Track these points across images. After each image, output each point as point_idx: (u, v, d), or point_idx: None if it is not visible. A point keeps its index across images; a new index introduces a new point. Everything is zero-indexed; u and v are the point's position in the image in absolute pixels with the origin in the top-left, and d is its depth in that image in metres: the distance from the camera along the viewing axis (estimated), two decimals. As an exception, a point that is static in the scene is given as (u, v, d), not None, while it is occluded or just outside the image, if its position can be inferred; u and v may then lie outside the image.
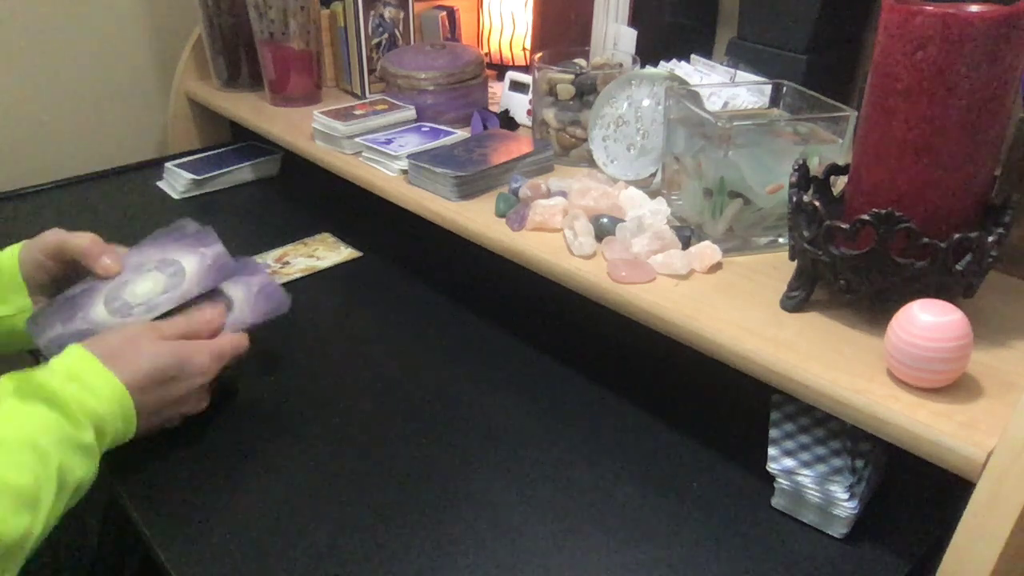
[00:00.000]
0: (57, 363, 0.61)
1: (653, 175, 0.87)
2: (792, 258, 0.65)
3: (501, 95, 1.11)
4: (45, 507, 0.53)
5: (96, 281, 0.73)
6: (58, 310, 0.72)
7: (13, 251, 0.74)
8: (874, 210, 0.57)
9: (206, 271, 0.75)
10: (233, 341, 0.71)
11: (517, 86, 1.09)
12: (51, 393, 0.57)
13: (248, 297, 0.76)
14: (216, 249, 0.76)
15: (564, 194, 0.83)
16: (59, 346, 0.64)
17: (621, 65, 0.96)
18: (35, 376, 0.58)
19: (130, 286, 0.73)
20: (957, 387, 0.55)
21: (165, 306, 0.72)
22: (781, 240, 0.74)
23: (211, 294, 0.74)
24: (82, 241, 0.73)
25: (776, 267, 0.71)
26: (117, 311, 0.71)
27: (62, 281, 0.75)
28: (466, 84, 1.07)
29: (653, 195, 0.82)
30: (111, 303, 0.72)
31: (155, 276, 0.74)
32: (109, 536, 0.84)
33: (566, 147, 0.95)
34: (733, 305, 0.66)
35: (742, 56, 0.97)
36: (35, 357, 0.82)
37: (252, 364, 0.81)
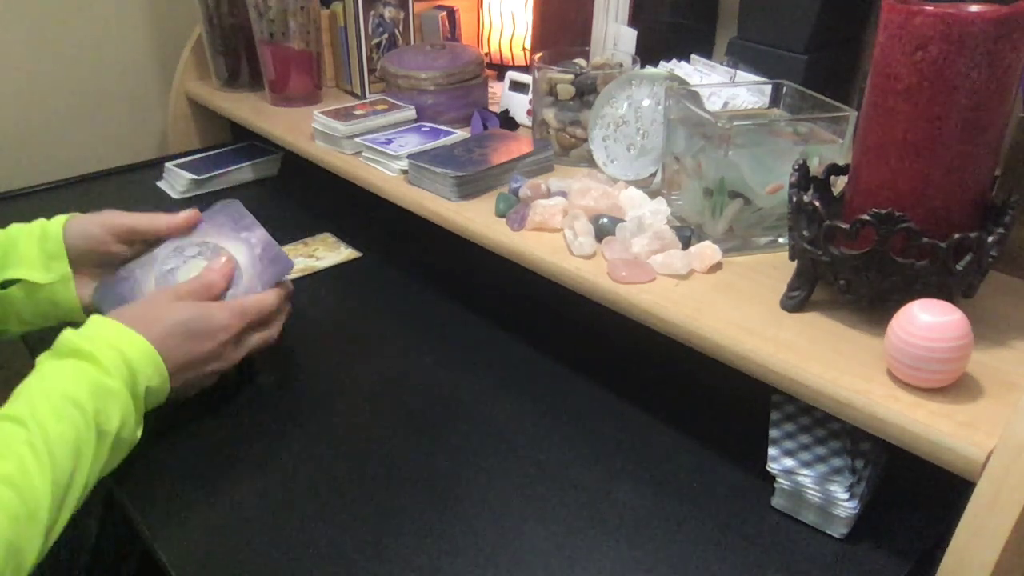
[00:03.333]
0: (84, 328, 0.63)
1: (653, 175, 0.87)
2: (792, 258, 0.65)
3: (501, 95, 1.11)
4: (87, 454, 0.56)
5: (139, 265, 0.76)
6: (119, 286, 0.75)
7: (59, 221, 0.76)
8: (874, 210, 0.57)
9: (257, 260, 0.77)
10: (256, 299, 0.73)
11: (517, 86, 1.09)
12: (79, 348, 0.60)
13: (252, 262, 0.77)
14: (259, 234, 0.78)
15: (564, 194, 0.83)
16: None
17: (621, 65, 0.96)
18: (65, 337, 0.61)
19: (178, 273, 0.75)
20: (957, 387, 0.55)
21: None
22: (781, 240, 0.74)
23: (214, 252, 0.77)
24: (158, 222, 0.77)
25: (776, 267, 0.71)
26: None
27: (109, 258, 0.77)
28: (466, 84, 1.07)
29: (653, 195, 0.82)
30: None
31: (198, 264, 0.76)
32: (107, 536, 0.84)
33: (566, 147, 0.95)
34: (733, 305, 0.66)
35: (742, 56, 0.97)
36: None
37: (252, 364, 0.81)
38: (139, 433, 0.63)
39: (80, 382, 0.58)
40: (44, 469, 0.53)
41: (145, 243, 0.78)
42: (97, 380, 0.59)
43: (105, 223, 0.76)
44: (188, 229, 0.78)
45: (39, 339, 0.81)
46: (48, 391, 0.57)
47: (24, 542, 0.51)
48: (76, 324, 0.64)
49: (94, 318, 0.65)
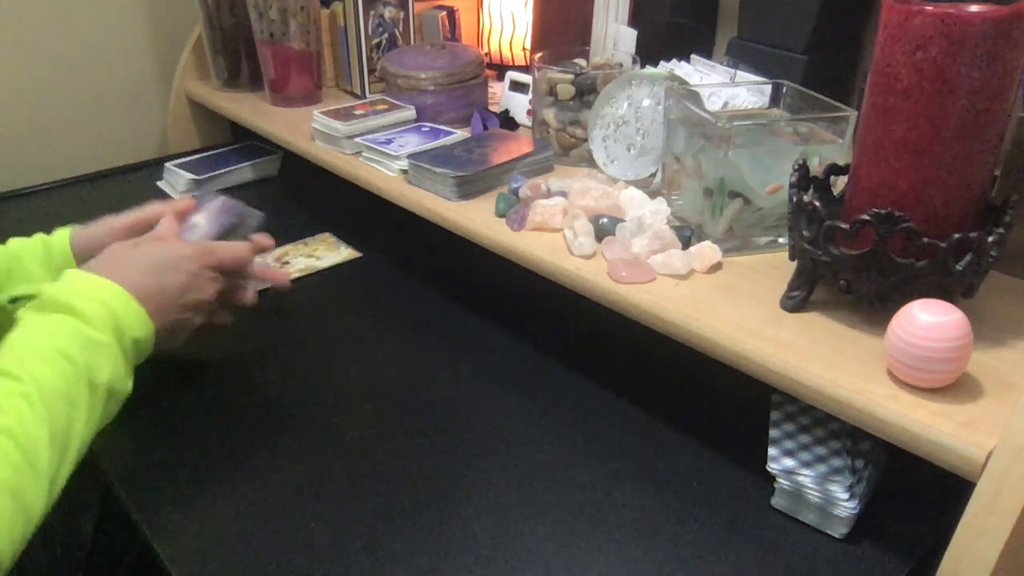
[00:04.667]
0: (60, 282, 0.63)
1: (653, 175, 0.87)
2: (792, 258, 0.65)
3: (501, 95, 1.11)
4: (81, 406, 0.57)
5: None
6: None
7: (63, 233, 0.78)
8: (874, 210, 0.57)
9: (209, 213, 0.79)
10: (218, 243, 0.75)
11: (517, 86, 1.09)
12: (63, 304, 0.60)
13: (208, 217, 0.78)
14: (218, 201, 0.80)
15: (564, 194, 0.83)
16: None
17: (621, 65, 0.96)
18: (46, 292, 0.62)
19: None
20: (957, 387, 0.55)
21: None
22: (781, 240, 0.74)
23: None
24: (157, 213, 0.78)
25: (776, 267, 0.71)
26: None
27: None
28: (466, 84, 1.07)
29: (653, 195, 0.82)
30: None
31: None
32: (105, 532, 0.84)
33: (566, 147, 0.95)
34: (733, 305, 0.66)
35: (742, 56, 0.97)
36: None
37: (251, 364, 0.81)
38: (130, 385, 0.63)
39: (69, 336, 0.59)
40: (40, 420, 0.54)
41: None
42: (85, 333, 0.59)
43: (108, 226, 0.77)
44: (184, 216, 0.79)
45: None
46: (37, 344, 0.58)
47: (28, 491, 0.52)
48: None
49: (69, 271, 0.65)
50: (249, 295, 0.78)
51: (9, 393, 0.54)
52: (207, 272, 0.71)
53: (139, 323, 0.64)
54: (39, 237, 0.77)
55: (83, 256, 0.76)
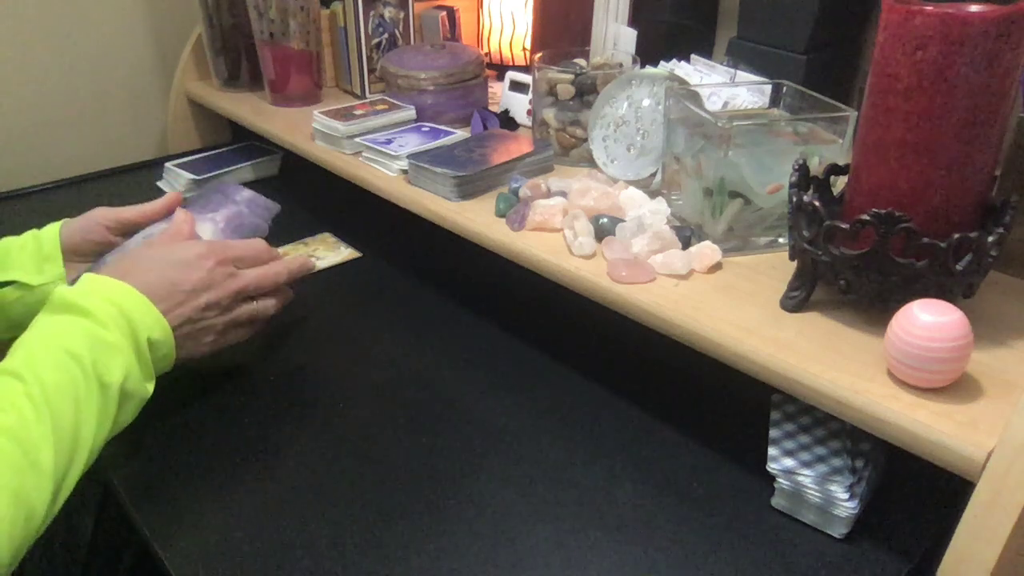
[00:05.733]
0: (75, 285, 0.64)
1: (653, 175, 0.87)
2: (792, 258, 0.65)
3: (501, 95, 1.11)
4: (89, 405, 0.56)
5: (113, 252, 0.77)
6: (95, 269, 0.76)
7: (54, 225, 0.78)
8: (874, 210, 0.57)
9: (219, 233, 0.78)
10: (235, 241, 0.75)
11: (517, 86, 1.09)
12: (74, 304, 0.60)
13: (215, 235, 0.78)
14: (226, 212, 0.79)
15: (564, 194, 0.83)
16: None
17: (621, 65, 0.96)
18: (58, 294, 0.62)
19: None
20: (957, 387, 0.55)
21: None
22: (781, 240, 0.74)
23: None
24: (144, 209, 0.80)
25: (776, 267, 0.71)
26: None
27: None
28: (466, 84, 1.08)
29: (653, 195, 0.82)
30: None
31: None
32: (104, 532, 0.84)
33: (566, 147, 0.95)
34: (733, 305, 0.66)
35: (742, 56, 0.97)
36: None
37: (250, 363, 0.81)
38: (150, 387, 0.63)
39: (75, 335, 0.58)
40: (43, 419, 0.53)
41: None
42: (93, 332, 0.59)
43: (97, 217, 0.78)
44: (170, 211, 0.79)
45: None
46: (44, 344, 0.58)
47: (31, 492, 0.51)
48: None
49: (85, 276, 0.65)
50: (271, 306, 0.76)
51: (12, 392, 0.54)
52: (224, 268, 0.70)
53: (153, 323, 0.63)
54: (30, 233, 0.78)
55: (72, 248, 0.77)
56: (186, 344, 0.68)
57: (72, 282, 0.74)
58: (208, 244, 0.71)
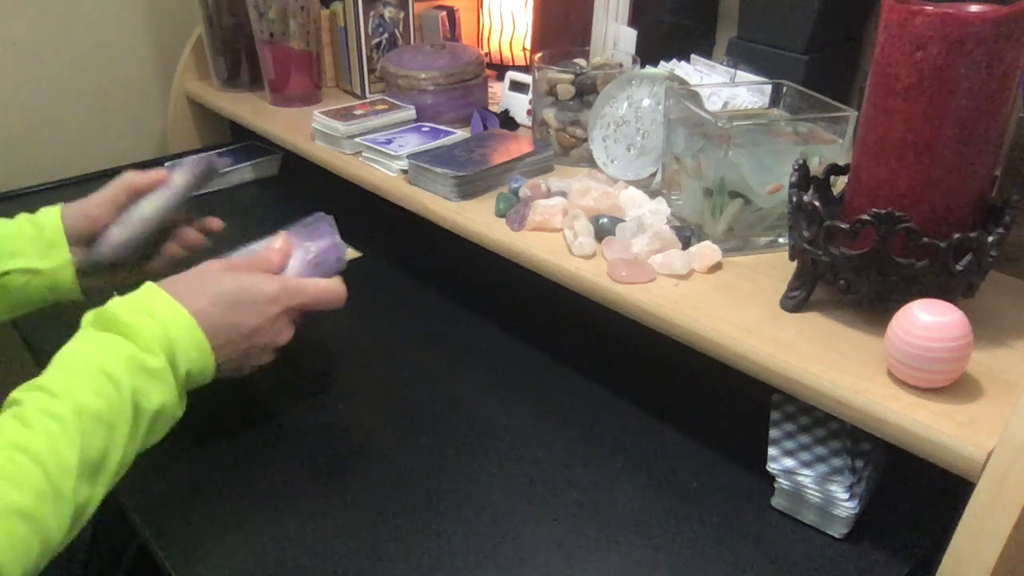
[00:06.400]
0: (130, 296, 0.62)
1: (653, 175, 0.87)
2: (792, 258, 0.65)
3: (501, 95, 1.11)
4: (122, 431, 0.55)
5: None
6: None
7: (53, 210, 0.76)
8: (874, 210, 0.57)
9: (307, 263, 0.74)
10: (313, 281, 0.70)
11: (517, 86, 1.09)
12: (121, 323, 0.58)
13: (301, 267, 0.74)
14: (322, 244, 0.76)
15: (564, 194, 0.83)
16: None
17: (621, 65, 0.96)
18: (108, 308, 0.60)
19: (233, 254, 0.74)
20: (957, 387, 0.55)
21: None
22: (781, 240, 0.74)
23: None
24: (135, 179, 0.80)
25: (776, 267, 0.71)
26: None
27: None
28: (466, 84, 1.07)
29: (653, 195, 0.82)
30: None
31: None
32: (104, 531, 0.84)
33: (566, 147, 0.95)
34: (733, 305, 0.66)
35: (742, 56, 0.96)
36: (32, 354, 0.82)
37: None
38: (181, 411, 0.61)
39: (119, 358, 0.56)
40: (73, 446, 0.52)
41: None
42: (137, 358, 0.57)
43: (97, 200, 0.77)
44: (157, 184, 0.80)
45: (32, 327, 0.82)
46: (84, 363, 0.56)
47: (49, 518, 0.50)
48: (73, 304, 0.63)
49: (148, 284, 0.63)
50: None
51: (43, 412, 0.52)
52: (286, 318, 0.68)
53: (199, 355, 0.61)
54: (23, 216, 0.75)
55: (75, 231, 0.74)
56: (226, 370, 0.66)
57: (79, 266, 0.73)
58: (282, 287, 0.67)
